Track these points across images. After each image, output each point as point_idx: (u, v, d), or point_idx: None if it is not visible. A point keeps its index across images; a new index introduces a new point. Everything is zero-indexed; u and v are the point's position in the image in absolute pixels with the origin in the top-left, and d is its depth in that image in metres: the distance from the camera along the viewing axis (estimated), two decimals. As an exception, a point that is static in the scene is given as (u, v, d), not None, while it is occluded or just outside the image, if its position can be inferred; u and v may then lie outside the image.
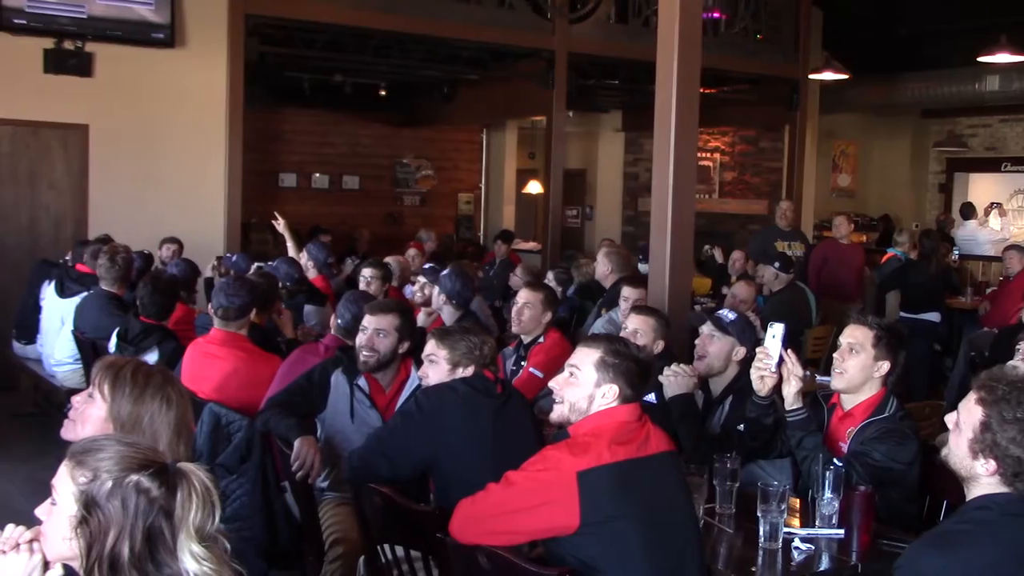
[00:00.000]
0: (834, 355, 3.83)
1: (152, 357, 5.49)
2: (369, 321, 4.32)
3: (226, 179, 9.78)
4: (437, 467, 3.61)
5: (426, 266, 6.97)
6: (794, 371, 3.68)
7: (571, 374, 3.11)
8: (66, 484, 1.98)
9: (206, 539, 1.97)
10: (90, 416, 2.65)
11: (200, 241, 9.27)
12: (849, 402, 3.81)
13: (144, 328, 5.72)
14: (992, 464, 2.44)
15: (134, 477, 1.94)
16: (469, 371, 3.79)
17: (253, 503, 4.03)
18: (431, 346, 3.88)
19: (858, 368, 3.74)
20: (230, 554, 2.02)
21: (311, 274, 7.67)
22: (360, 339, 4.31)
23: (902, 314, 9.52)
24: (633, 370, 3.07)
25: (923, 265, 9.91)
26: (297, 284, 7.13)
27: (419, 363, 4.30)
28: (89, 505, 1.93)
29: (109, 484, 1.93)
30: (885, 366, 3.74)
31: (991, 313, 9.45)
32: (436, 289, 5.96)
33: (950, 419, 2.56)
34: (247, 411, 4.38)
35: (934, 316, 9.58)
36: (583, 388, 3.06)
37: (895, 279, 10.03)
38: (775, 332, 3.74)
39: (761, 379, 3.74)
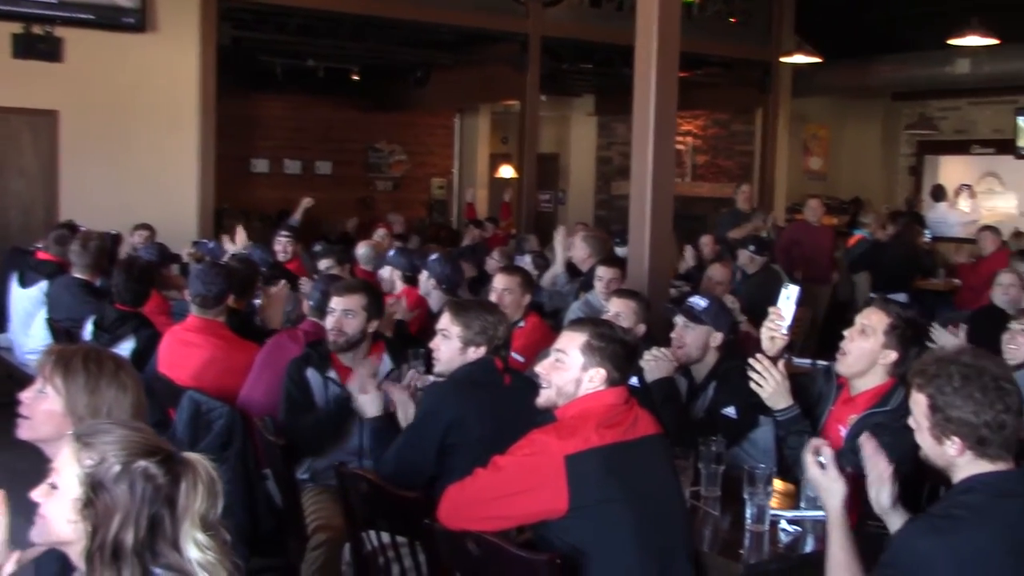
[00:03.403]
0: (844, 333, 3.65)
1: (128, 345, 5.43)
2: (336, 303, 4.25)
3: (198, 165, 9.73)
4: (447, 458, 3.54)
5: (390, 253, 6.83)
6: (772, 375, 3.56)
7: (557, 359, 3.09)
8: (70, 466, 1.95)
9: (210, 528, 1.96)
10: (44, 412, 2.52)
11: (172, 227, 9.15)
12: (856, 387, 3.64)
13: (120, 315, 5.64)
14: (957, 441, 2.45)
15: (142, 463, 1.92)
16: (480, 351, 3.69)
17: (235, 490, 4.00)
18: (446, 320, 3.75)
19: (862, 352, 3.57)
20: (230, 545, 2.01)
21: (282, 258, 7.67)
22: (328, 322, 4.25)
23: (872, 295, 9.57)
24: (619, 353, 3.06)
25: (895, 245, 9.95)
26: (272, 269, 7.07)
27: (391, 349, 4.40)
28: (96, 487, 1.90)
29: (117, 468, 1.91)
30: (892, 355, 3.55)
31: (963, 294, 9.52)
32: (425, 274, 5.94)
33: (911, 421, 2.58)
34: (226, 398, 4.36)
35: (902, 297, 9.63)
36: (570, 372, 3.05)
37: (866, 259, 10.07)
38: (790, 294, 3.65)
39: (771, 339, 3.64)
